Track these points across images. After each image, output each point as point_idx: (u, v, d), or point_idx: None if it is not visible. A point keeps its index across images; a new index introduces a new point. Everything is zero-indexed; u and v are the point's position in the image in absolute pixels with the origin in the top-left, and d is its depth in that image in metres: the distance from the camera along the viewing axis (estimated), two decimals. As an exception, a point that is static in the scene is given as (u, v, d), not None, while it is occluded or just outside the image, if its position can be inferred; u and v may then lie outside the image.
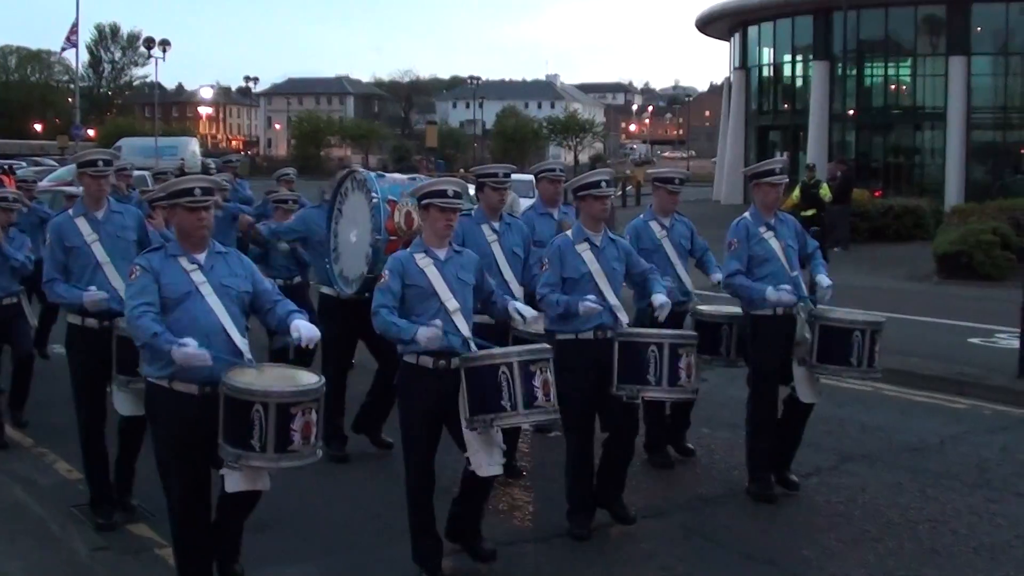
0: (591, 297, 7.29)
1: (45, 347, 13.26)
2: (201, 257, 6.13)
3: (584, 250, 7.51)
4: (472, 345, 6.54)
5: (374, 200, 8.52)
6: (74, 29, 39.76)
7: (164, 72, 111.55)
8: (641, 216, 9.28)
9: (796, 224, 8.67)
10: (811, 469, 9.06)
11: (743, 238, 8.32)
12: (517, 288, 8.29)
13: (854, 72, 42.05)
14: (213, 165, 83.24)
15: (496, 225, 8.42)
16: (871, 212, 29.45)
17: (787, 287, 8.09)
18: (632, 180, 56.38)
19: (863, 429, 10.49)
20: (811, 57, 44.20)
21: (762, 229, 8.32)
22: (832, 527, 7.84)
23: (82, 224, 7.67)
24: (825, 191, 24.17)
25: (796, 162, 44.94)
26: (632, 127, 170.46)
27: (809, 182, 24.70)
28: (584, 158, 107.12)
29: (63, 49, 46.38)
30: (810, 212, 23.77)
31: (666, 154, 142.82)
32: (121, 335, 7.19)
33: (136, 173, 39.79)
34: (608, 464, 7.71)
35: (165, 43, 64.39)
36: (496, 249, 8.35)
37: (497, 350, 6.48)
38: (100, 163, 7.76)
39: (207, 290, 6.04)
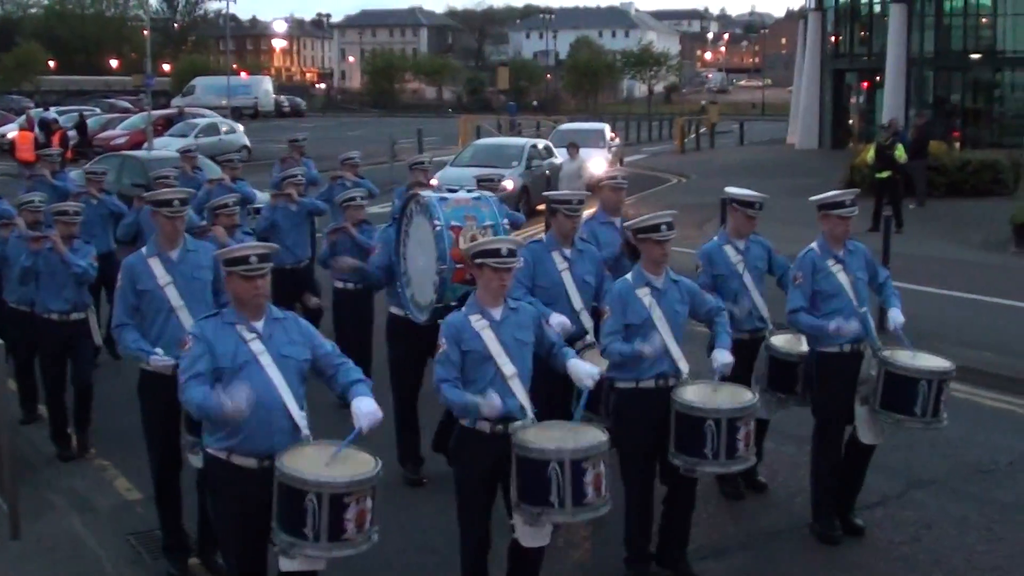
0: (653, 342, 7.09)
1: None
2: (259, 325, 6.01)
3: (644, 295, 7.24)
4: (529, 412, 6.44)
5: (437, 228, 8.18)
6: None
7: (238, 5, 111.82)
8: (715, 239, 8.88)
9: (866, 252, 8.37)
10: (878, 497, 8.88)
11: (808, 273, 8.08)
12: (587, 319, 8.15)
13: (932, 13, 40.99)
14: (286, 103, 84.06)
15: (568, 252, 8.24)
16: (948, 167, 28.79)
17: (853, 319, 7.87)
18: (705, 123, 55.19)
19: (932, 445, 10.01)
20: (888, -3, 43.12)
21: (830, 262, 8.07)
22: (894, 573, 7.73)
23: (155, 265, 7.47)
24: (900, 152, 23.32)
25: (873, 103, 44.11)
26: (707, 55, 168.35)
27: (885, 142, 23.77)
28: (659, 88, 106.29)
29: None
30: (885, 173, 23.12)
31: (742, 83, 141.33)
32: None
33: (205, 119, 39.94)
34: (669, 521, 7.55)
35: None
36: (567, 278, 8.19)
37: (549, 445, 6.22)
38: (176, 203, 7.55)
39: (266, 360, 5.93)
